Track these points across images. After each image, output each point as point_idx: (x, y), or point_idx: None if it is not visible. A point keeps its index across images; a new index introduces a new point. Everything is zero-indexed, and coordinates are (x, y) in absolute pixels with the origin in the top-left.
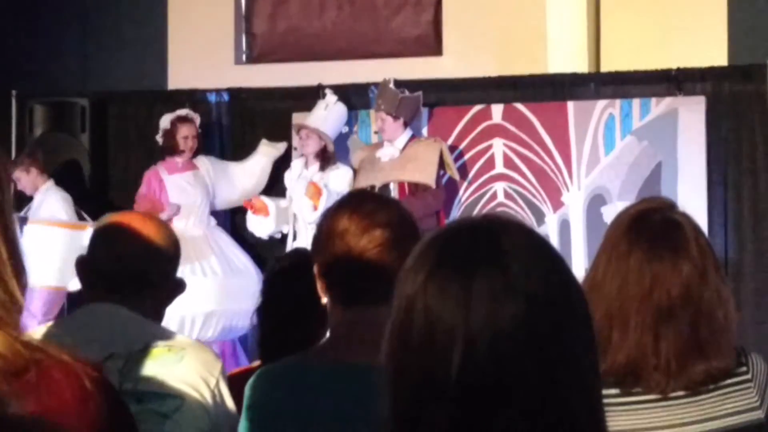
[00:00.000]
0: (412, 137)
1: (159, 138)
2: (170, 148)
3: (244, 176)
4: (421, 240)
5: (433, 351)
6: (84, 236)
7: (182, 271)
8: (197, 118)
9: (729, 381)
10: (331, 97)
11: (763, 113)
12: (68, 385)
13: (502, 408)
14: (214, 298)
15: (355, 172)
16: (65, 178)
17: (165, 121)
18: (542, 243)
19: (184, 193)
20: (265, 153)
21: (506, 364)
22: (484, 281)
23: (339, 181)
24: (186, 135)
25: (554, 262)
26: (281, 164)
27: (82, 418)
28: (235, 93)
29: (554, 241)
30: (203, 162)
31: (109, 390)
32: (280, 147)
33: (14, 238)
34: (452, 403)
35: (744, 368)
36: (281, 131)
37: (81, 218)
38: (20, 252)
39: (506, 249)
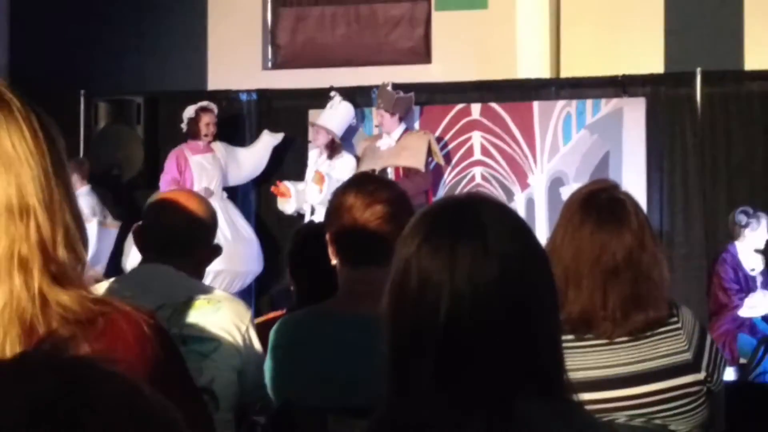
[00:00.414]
0: (406, 130)
1: (183, 125)
2: (194, 133)
3: (249, 158)
4: (415, 213)
5: (424, 303)
6: (111, 234)
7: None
8: (215, 109)
9: (663, 329)
10: (336, 99)
11: (692, 112)
12: (129, 329)
13: (480, 348)
14: (222, 259)
15: (358, 159)
16: (123, 163)
17: (189, 111)
18: (513, 215)
19: (204, 171)
20: (266, 141)
21: (484, 312)
22: (466, 246)
23: (343, 168)
24: (207, 122)
25: (522, 231)
26: (286, 152)
27: (142, 355)
28: (262, 93)
29: (522, 214)
30: (218, 146)
31: (163, 333)
32: (278, 136)
33: (78, 213)
34: (439, 345)
35: (675, 318)
36: (299, 126)
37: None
38: (83, 224)
39: (484, 220)
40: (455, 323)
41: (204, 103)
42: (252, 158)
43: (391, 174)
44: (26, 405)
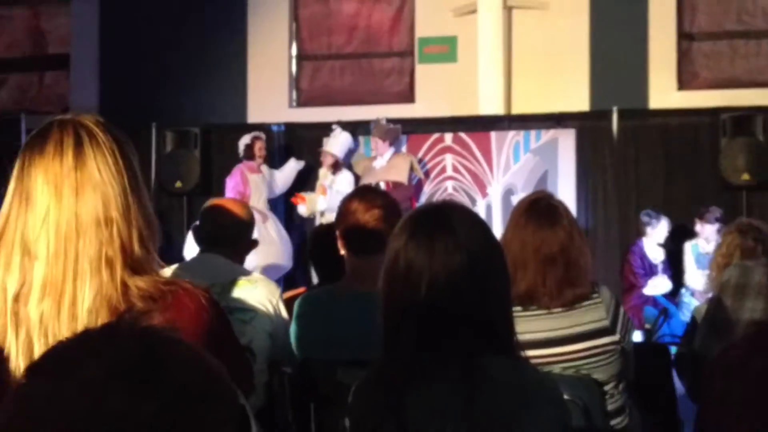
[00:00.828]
0: (395, 153)
1: (240, 150)
2: (249, 156)
3: (282, 179)
4: (403, 216)
5: (409, 283)
6: None
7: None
8: (264, 138)
9: (588, 302)
10: (337, 130)
11: (610, 140)
12: (191, 302)
13: (451, 317)
14: (270, 255)
15: (356, 176)
16: (184, 178)
17: (246, 138)
18: (476, 217)
19: (257, 187)
20: (293, 166)
21: (454, 290)
22: (441, 240)
23: (343, 181)
24: (260, 147)
25: (483, 229)
26: (307, 171)
27: (201, 321)
28: (289, 126)
29: (483, 216)
30: (264, 168)
31: (216, 305)
32: (301, 163)
33: (150, 218)
34: (420, 315)
35: (596, 294)
36: (315, 151)
37: None
38: (155, 226)
39: (454, 221)
40: (433, 298)
41: (257, 133)
42: (284, 179)
43: (382, 186)
44: (108, 364)
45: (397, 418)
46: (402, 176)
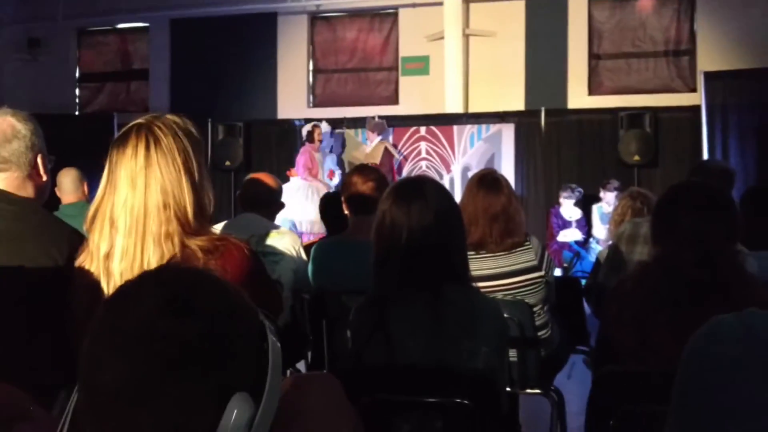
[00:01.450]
0: (380, 141)
1: (304, 135)
2: (311, 140)
3: (329, 160)
4: (388, 186)
5: (393, 235)
6: None
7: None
8: (321, 126)
9: (521, 248)
10: (326, 126)
11: (540, 133)
12: (237, 252)
13: (424, 258)
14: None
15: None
16: (232, 160)
17: (308, 127)
18: (442, 187)
19: (319, 163)
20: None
21: (426, 240)
22: (416, 203)
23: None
24: (318, 133)
25: (447, 196)
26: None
27: (244, 266)
28: (307, 121)
29: (447, 187)
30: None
31: (254, 253)
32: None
33: (202, 199)
34: (401, 258)
35: (528, 242)
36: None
37: None
38: (207, 202)
39: (426, 189)
40: (410, 246)
41: (316, 122)
42: (329, 161)
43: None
44: (155, 300)
45: (384, 331)
46: (376, 159)
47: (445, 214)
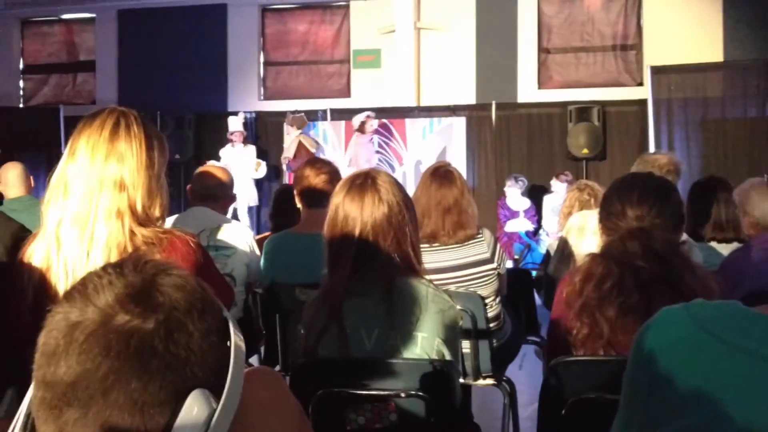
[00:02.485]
0: (298, 135)
1: (356, 125)
2: (362, 130)
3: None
4: (342, 179)
5: (346, 229)
6: None
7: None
8: (373, 116)
9: (474, 240)
10: (240, 114)
11: (490, 125)
12: (182, 245)
13: (376, 252)
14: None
15: (260, 148)
16: (182, 153)
17: (362, 116)
18: (394, 180)
19: (368, 152)
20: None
21: (377, 233)
22: (368, 197)
23: (252, 152)
24: (372, 124)
25: (400, 189)
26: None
27: (189, 260)
28: (258, 114)
29: (400, 180)
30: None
31: (200, 246)
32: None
33: (154, 190)
34: (355, 250)
35: (480, 235)
36: (278, 133)
37: None
38: (161, 193)
39: (380, 183)
40: (362, 238)
41: (369, 113)
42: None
43: (285, 161)
44: (116, 293)
45: (337, 324)
46: (290, 153)
47: (397, 207)
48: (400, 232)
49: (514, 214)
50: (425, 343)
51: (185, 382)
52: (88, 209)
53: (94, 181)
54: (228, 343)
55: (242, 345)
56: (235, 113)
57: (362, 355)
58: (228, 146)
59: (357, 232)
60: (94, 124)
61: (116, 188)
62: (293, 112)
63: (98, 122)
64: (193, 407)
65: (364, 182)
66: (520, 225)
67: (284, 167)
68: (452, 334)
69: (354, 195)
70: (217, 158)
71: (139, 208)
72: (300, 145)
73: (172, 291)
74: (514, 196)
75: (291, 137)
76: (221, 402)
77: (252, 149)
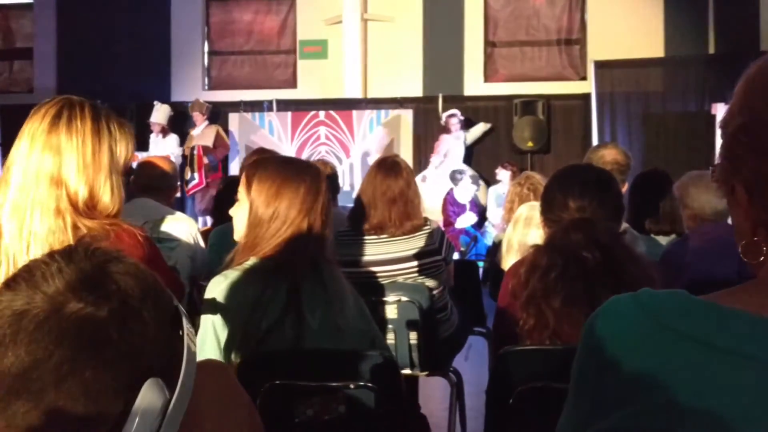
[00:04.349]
0: (207, 125)
1: (443, 121)
2: (446, 130)
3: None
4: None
5: (270, 224)
6: None
7: None
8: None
9: (421, 232)
10: (157, 105)
11: (437, 118)
12: (129, 237)
13: (294, 245)
14: None
15: (181, 138)
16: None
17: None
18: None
19: (448, 149)
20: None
21: (301, 224)
22: (286, 191)
23: (172, 142)
24: (455, 123)
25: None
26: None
27: (137, 252)
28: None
29: (346, 172)
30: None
31: (148, 238)
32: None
33: (98, 182)
34: (280, 244)
35: (427, 226)
36: (223, 121)
37: None
38: (107, 186)
39: (315, 168)
40: (285, 233)
41: (453, 111)
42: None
43: (196, 150)
44: (67, 280)
45: (297, 313)
46: (209, 142)
47: (314, 195)
48: (326, 216)
49: (461, 208)
50: (358, 317)
51: (140, 371)
52: (24, 202)
53: (30, 174)
54: (180, 333)
55: (194, 335)
56: (179, 103)
57: (311, 337)
58: (152, 135)
59: (297, 215)
60: (39, 113)
61: (52, 184)
62: (236, 103)
63: (42, 112)
64: (148, 396)
65: (294, 165)
66: (468, 220)
67: (206, 159)
68: (364, 312)
69: (287, 178)
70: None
71: (80, 203)
72: (218, 135)
73: (125, 278)
74: (461, 190)
75: (201, 126)
76: (176, 391)
77: (173, 138)
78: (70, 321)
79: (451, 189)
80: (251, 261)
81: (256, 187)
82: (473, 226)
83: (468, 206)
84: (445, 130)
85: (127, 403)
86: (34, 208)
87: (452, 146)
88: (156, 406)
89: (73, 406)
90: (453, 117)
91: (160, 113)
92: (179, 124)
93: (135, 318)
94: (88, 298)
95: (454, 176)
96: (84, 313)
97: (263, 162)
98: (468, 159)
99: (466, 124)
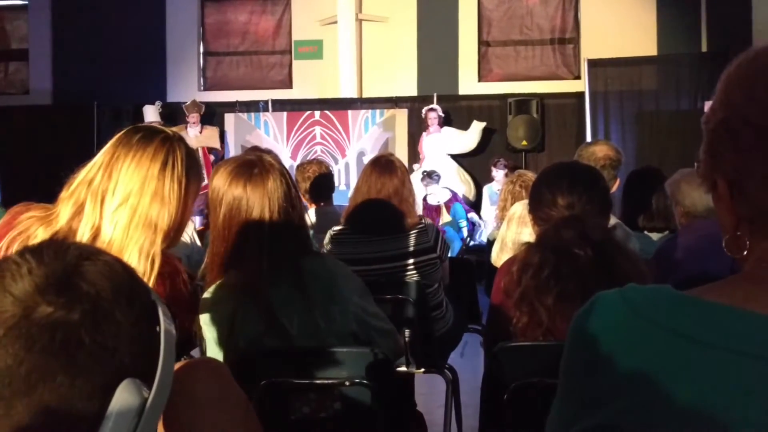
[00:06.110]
0: (203, 126)
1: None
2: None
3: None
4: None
5: (249, 217)
6: None
7: None
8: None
9: (416, 230)
10: (146, 107)
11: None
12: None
13: (279, 238)
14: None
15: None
16: None
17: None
18: (277, 157)
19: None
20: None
21: (280, 215)
22: (264, 179)
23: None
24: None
25: (283, 165)
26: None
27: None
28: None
29: (342, 171)
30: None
31: (190, 279)
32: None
33: (184, 220)
34: (259, 239)
35: (422, 224)
36: (219, 122)
37: None
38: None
39: (267, 163)
40: (272, 227)
41: (434, 105)
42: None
43: (200, 151)
44: (36, 282)
45: (271, 323)
46: (216, 143)
47: (291, 184)
48: (299, 211)
49: (438, 210)
50: (342, 318)
51: (114, 373)
52: (122, 245)
53: (137, 216)
54: (157, 329)
55: (172, 329)
56: (175, 104)
57: (289, 343)
58: None
59: (259, 217)
60: (147, 149)
61: (151, 228)
62: (231, 103)
63: (152, 149)
64: (123, 397)
65: (254, 165)
66: (440, 194)
67: (212, 156)
68: (361, 285)
69: (248, 179)
70: None
71: (162, 244)
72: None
73: (97, 278)
74: (434, 192)
75: (196, 128)
76: (153, 390)
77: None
78: (39, 326)
79: (425, 195)
80: (220, 280)
81: (210, 198)
82: (471, 217)
83: (443, 207)
84: (425, 125)
85: (102, 405)
86: (132, 248)
87: (432, 147)
88: (132, 406)
89: (46, 411)
90: (432, 111)
91: (150, 113)
92: (174, 125)
93: (108, 319)
94: (59, 301)
95: (429, 177)
96: (54, 318)
97: (214, 172)
98: (462, 158)
99: (462, 125)
